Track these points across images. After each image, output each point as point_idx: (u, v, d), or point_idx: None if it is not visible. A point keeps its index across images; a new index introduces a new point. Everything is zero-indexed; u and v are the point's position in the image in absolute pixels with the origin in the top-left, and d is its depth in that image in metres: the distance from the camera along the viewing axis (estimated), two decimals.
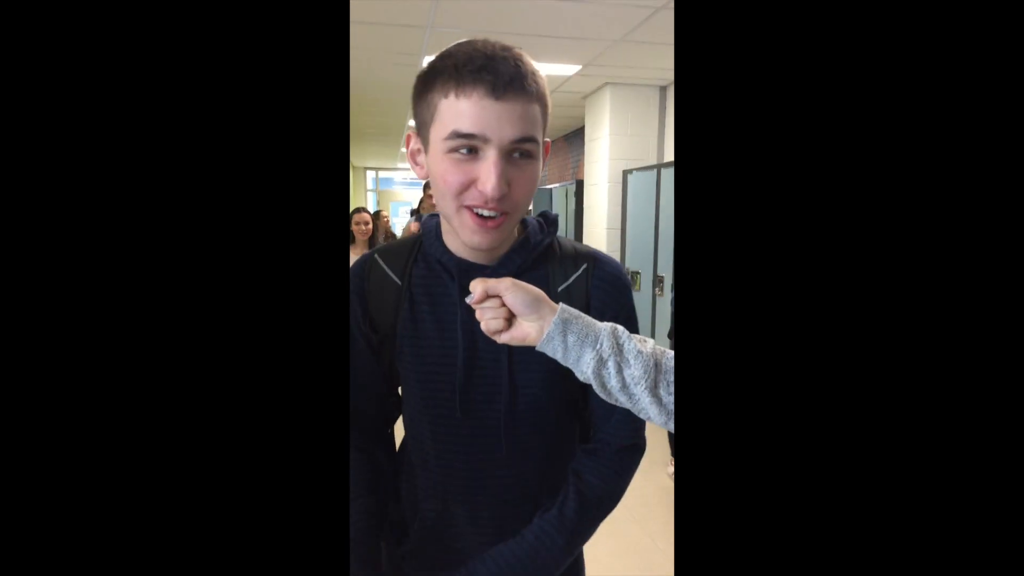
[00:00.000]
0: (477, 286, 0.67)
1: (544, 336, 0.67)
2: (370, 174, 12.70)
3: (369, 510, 0.85)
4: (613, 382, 0.66)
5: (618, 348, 0.67)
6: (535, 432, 0.83)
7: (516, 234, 0.82)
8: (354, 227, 3.73)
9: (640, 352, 0.67)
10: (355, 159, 10.51)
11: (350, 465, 0.85)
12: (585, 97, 5.06)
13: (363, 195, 12.39)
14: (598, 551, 2.40)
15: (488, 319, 0.68)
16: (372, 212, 4.01)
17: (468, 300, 0.68)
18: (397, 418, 0.96)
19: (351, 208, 3.76)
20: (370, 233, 3.73)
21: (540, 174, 0.74)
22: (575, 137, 6.40)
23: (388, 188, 12.24)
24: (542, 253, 0.83)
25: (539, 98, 0.70)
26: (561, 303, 0.69)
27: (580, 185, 5.54)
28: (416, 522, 0.87)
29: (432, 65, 0.71)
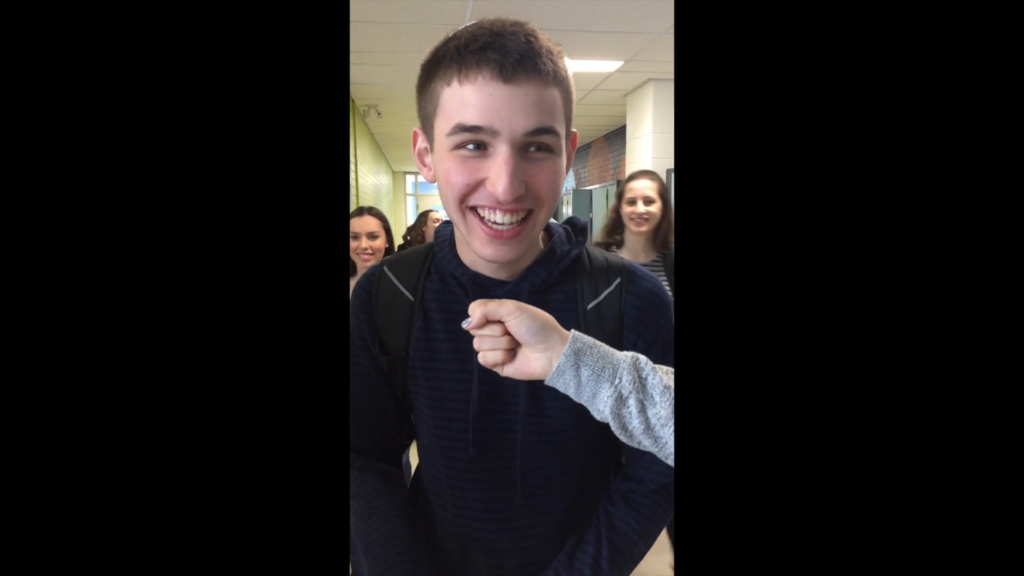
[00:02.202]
0: (476, 309, 0.57)
1: (554, 369, 0.57)
2: (409, 178, 12.76)
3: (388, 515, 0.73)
4: (635, 423, 0.56)
5: (640, 383, 0.57)
6: (562, 472, 0.72)
7: (540, 244, 0.71)
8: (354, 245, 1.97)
9: (667, 388, 0.56)
10: (394, 163, 10.58)
11: (354, 484, 0.75)
12: (626, 95, 4.92)
13: (403, 199, 12.45)
14: None
15: (486, 349, 0.58)
16: (419, 213, 3.59)
17: (465, 325, 0.58)
18: (408, 446, 0.86)
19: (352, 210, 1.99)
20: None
21: (564, 170, 0.62)
22: (616, 136, 6.27)
23: (428, 192, 12.26)
24: (569, 266, 0.71)
25: (558, 81, 0.59)
26: (573, 330, 0.58)
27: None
28: (435, 562, 0.77)
29: (435, 50, 0.61)
